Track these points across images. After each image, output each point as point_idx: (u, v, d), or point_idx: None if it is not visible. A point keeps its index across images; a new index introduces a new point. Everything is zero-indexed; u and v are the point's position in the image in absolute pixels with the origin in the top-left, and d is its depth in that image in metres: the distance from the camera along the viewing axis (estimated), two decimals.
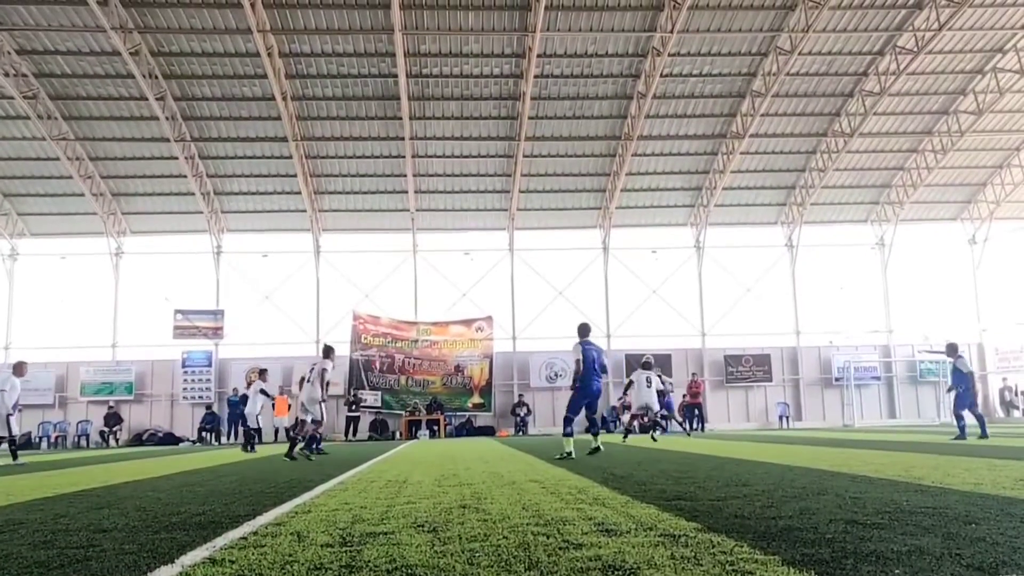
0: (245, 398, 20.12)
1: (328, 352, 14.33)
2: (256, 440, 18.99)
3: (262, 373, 19.91)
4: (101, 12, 21.99)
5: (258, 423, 19.20)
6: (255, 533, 4.38)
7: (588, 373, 11.53)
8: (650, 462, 10.24)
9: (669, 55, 24.72)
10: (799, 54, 24.91)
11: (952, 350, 16.27)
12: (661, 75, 25.44)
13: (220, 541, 4.11)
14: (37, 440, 28.26)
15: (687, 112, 27.88)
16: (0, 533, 4.65)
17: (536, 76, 25.41)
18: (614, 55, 25.49)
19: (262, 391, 19.04)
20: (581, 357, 11.52)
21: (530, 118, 27.00)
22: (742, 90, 27.00)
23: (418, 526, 4.52)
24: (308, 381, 13.98)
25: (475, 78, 26.01)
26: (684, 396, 28.76)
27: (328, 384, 13.94)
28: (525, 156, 28.44)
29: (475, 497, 6.09)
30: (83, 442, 28.32)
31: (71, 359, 29.57)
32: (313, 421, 14.01)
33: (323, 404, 13.93)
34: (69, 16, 22.94)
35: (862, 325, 32.15)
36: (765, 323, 31.55)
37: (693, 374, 29.38)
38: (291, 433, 14.29)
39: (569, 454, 11.15)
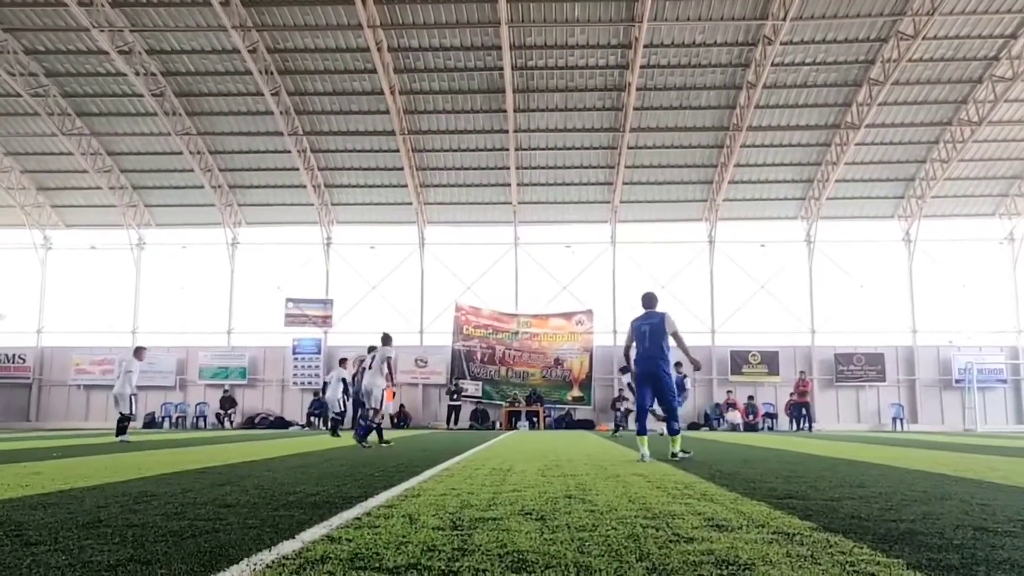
0: (326, 385, 20.61)
1: (387, 340, 14.28)
2: (340, 425, 19.45)
3: (342, 362, 20.25)
4: (223, 12, 22.99)
5: (342, 407, 19.51)
6: (368, 514, 4.50)
7: (637, 352, 9.85)
8: (757, 460, 10.00)
9: (781, 43, 23.97)
10: (923, 39, 23.71)
11: None
12: (772, 64, 24.71)
13: (336, 520, 4.25)
14: (160, 420, 29.87)
15: (799, 102, 26.98)
16: (136, 503, 4.94)
17: (642, 67, 25.10)
18: (723, 44, 24.90)
19: (343, 379, 19.37)
20: (628, 333, 10.02)
21: (635, 109, 26.70)
22: (858, 78, 25.92)
23: (526, 514, 4.55)
24: (368, 368, 14.00)
25: (580, 69, 25.90)
26: (791, 395, 27.98)
27: (393, 371, 13.96)
28: (629, 148, 28.15)
29: (580, 488, 6.09)
30: (201, 423, 29.78)
31: (191, 344, 31.11)
32: (372, 409, 13.85)
33: (383, 391, 13.89)
34: (194, 17, 24.08)
35: (987, 325, 30.42)
36: (879, 321, 30.26)
37: (801, 372, 28.49)
38: (362, 421, 14.01)
39: (642, 457, 9.24)
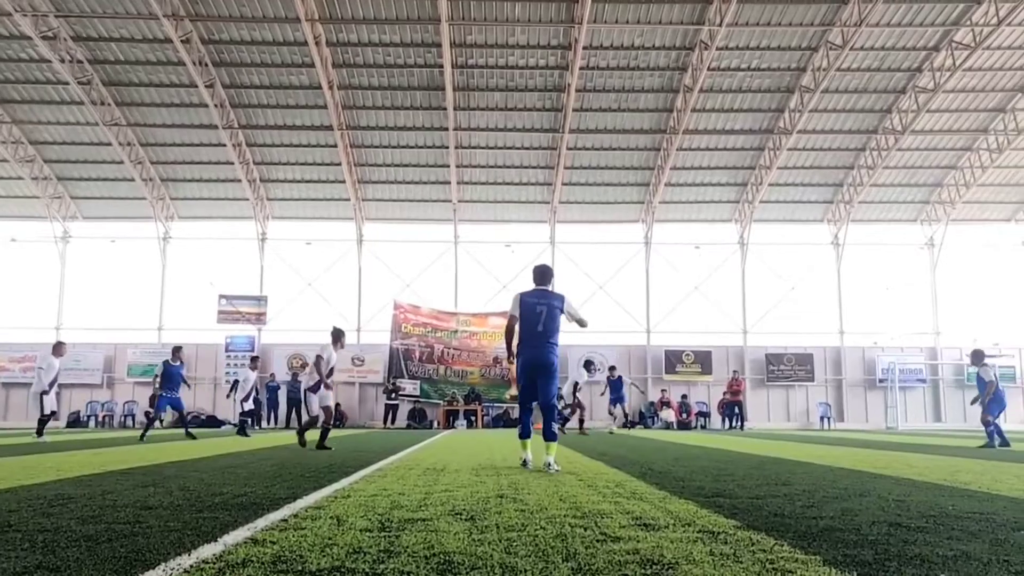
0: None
1: (337, 336, 12.59)
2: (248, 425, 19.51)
3: (254, 360, 20.58)
4: (155, 0, 22.38)
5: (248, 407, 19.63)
6: (295, 516, 4.43)
7: (524, 334, 8.04)
8: (688, 458, 10.16)
9: (717, 48, 24.42)
10: (851, 49, 24.42)
11: (977, 357, 15.80)
12: (708, 69, 25.15)
13: (261, 522, 4.17)
14: (85, 419, 28.95)
15: (734, 107, 27.53)
16: (50, 507, 4.77)
17: (581, 68, 25.28)
18: (661, 48, 25.24)
19: (246, 380, 19.26)
20: (516, 310, 8.10)
21: (574, 110, 26.88)
22: (791, 85, 26.58)
23: (456, 514, 4.53)
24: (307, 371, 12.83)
25: (520, 69, 25.96)
26: (724, 394, 28.55)
27: (330, 371, 12.41)
28: (568, 148, 28.34)
29: (512, 487, 6.10)
30: (129, 422, 28.94)
31: (119, 341, 30.23)
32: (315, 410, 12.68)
33: (316, 394, 12.40)
34: (124, 4, 23.37)
35: (908, 327, 31.52)
36: (808, 322, 31.09)
37: (734, 372, 29.12)
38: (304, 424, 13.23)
39: (524, 463, 8.09)
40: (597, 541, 3.65)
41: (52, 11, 23.55)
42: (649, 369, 30.56)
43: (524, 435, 8.23)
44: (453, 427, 27.28)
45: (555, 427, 7.92)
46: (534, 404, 8.23)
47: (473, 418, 28.24)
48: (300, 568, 3.00)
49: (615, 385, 22.33)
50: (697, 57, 24.93)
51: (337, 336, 12.56)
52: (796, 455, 10.89)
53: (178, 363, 17.12)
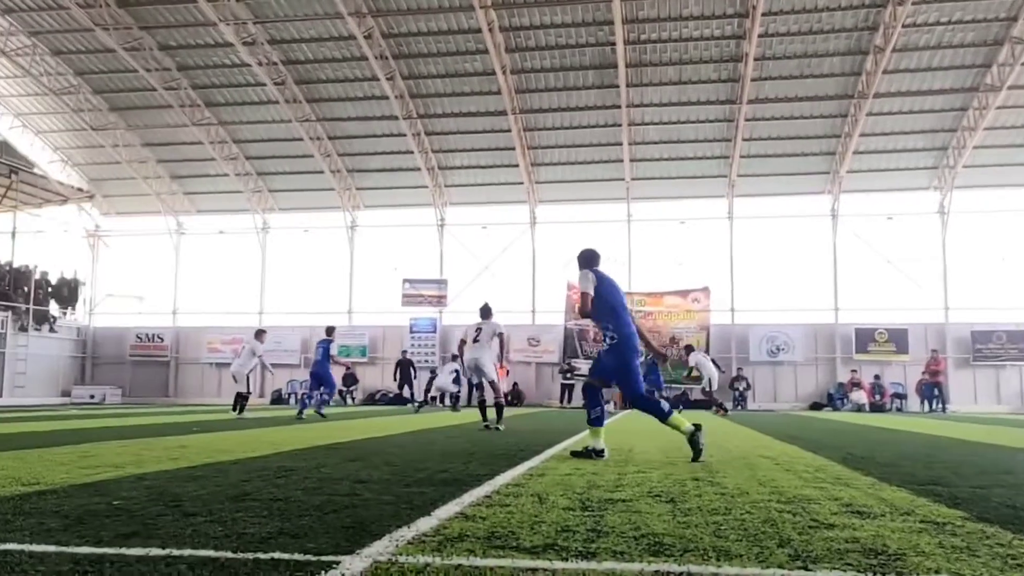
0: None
1: (258, 334, 16.86)
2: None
3: (259, 334, 18.61)
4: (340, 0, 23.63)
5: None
6: (497, 492, 4.56)
7: (620, 315, 7.13)
8: (890, 443, 9.60)
9: (913, 3, 22.63)
10: None
11: None
12: (903, 26, 23.36)
13: (467, 498, 4.32)
14: (287, 396, 31.21)
15: (932, 65, 25.44)
16: (276, 478, 5.18)
17: (760, 35, 24.22)
18: (848, 7, 23.72)
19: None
20: (592, 289, 7.16)
21: (752, 80, 25.82)
22: (999, 37, 24.21)
23: (654, 496, 4.51)
24: (475, 342, 13.02)
25: (694, 41, 25.25)
26: (923, 374, 26.65)
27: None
28: (747, 120, 27.29)
29: (706, 471, 6.00)
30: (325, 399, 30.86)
31: (314, 323, 32.30)
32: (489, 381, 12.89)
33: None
34: (312, 5, 24.82)
35: None
36: (1022, 296, 28.33)
37: (933, 351, 27.08)
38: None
39: (597, 452, 6.91)
40: (810, 527, 3.52)
41: (251, 18, 25.38)
42: (838, 349, 29.03)
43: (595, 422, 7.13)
44: (629, 408, 27.11)
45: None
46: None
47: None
48: (515, 544, 3.08)
49: (651, 366, 18.71)
50: (890, 14, 23.21)
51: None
52: (1014, 441, 10.00)
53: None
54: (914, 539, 3.27)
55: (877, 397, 27.39)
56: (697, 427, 6.86)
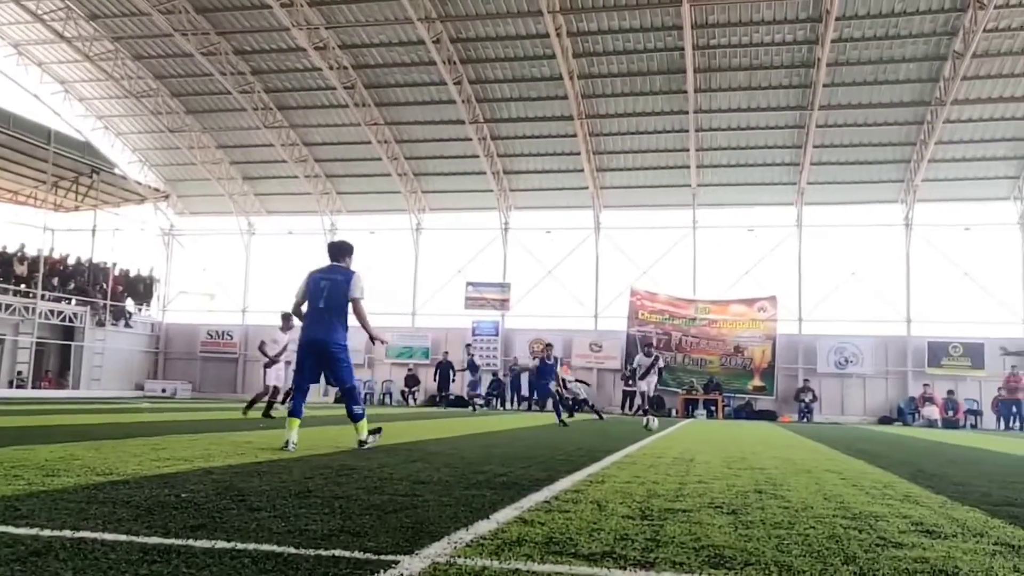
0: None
1: (285, 318, 14.69)
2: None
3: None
4: (409, 4, 23.95)
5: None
6: (556, 498, 4.56)
7: (308, 313, 7.68)
8: (964, 461, 9.27)
9: (995, 7, 21.86)
10: None
11: None
12: (984, 31, 22.58)
13: (525, 502, 4.33)
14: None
15: (1015, 71, 24.51)
16: (338, 476, 5.27)
17: (833, 40, 23.69)
18: (926, 12, 23.03)
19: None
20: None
21: (825, 86, 25.26)
22: None
23: (716, 507, 4.44)
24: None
25: (765, 46, 24.83)
26: (999, 391, 25.67)
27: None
28: (818, 126, 26.71)
29: (770, 483, 5.88)
30: (387, 400, 31.31)
31: (378, 324, 32.59)
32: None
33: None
34: (383, 11, 25.20)
35: None
36: None
37: (1012, 366, 26.05)
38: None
39: (287, 444, 7.24)
40: (876, 545, 3.43)
41: (323, 23, 25.91)
42: (910, 362, 28.16)
43: (295, 413, 7.49)
44: (692, 416, 26.81)
45: (358, 409, 7.69)
46: (307, 388, 7.76)
47: (713, 408, 27.57)
48: (573, 551, 3.07)
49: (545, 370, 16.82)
50: (970, 19, 22.46)
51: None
52: None
53: None
54: (987, 562, 3.16)
55: (950, 413, 26.47)
56: (375, 430, 7.77)
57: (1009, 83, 24.91)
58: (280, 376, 14.81)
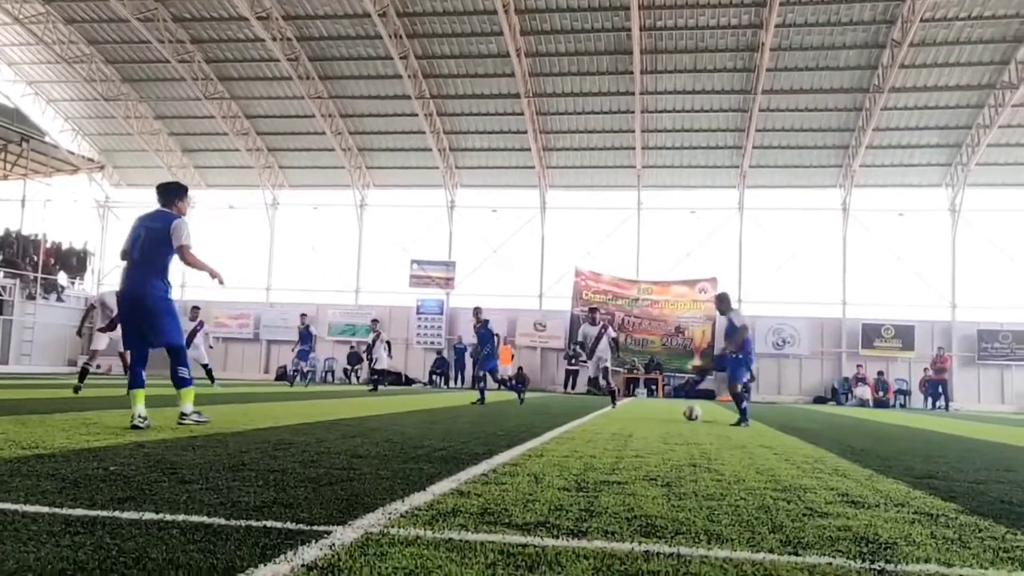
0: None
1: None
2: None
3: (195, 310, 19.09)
4: None
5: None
6: (494, 471, 4.58)
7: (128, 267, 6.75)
8: (890, 438, 9.59)
9: None
10: None
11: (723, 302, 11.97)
12: (921, 20, 23.14)
13: (463, 475, 4.34)
14: (292, 373, 31.27)
15: (949, 60, 25.22)
16: (275, 450, 5.21)
17: (777, 25, 24.03)
18: (867, 0, 23.51)
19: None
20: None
21: (768, 70, 25.65)
22: (1019, 34, 23.96)
23: (650, 479, 4.51)
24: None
25: (711, 29, 25.08)
26: (926, 370, 26.60)
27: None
28: (761, 110, 27.13)
29: (704, 457, 6.00)
30: (329, 377, 31.04)
31: (321, 301, 32.37)
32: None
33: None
34: None
35: None
36: None
37: (939, 348, 27.00)
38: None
39: (135, 419, 6.33)
40: (803, 515, 3.52)
41: None
42: (844, 343, 28.96)
43: (135, 384, 6.65)
44: (633, 395, 27.19)
45: (182, 372, 6.78)
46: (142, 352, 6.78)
47: (654, 387, 27.99)
48: (507, 521, 3.09)
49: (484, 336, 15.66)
50: (908, 8, 22.99)
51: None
52: (1016, 440, 9.97)
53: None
54: (906, 529, 3.27)
55: (881, 393, 27.35)
56: (202, 420, 6.89)
57: (943, 72, 25.63)
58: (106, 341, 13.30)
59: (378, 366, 21.57)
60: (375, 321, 23.92)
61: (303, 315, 23.31)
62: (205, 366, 18.09)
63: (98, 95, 30.27)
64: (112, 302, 11.73)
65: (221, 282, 7.19)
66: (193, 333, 18.81)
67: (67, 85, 30.85)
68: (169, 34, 27.24)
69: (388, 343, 22.62)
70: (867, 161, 28.41)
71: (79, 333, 14.12)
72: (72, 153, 31.19)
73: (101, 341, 13.16)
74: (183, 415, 6.78)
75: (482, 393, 15.12)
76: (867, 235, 29.24)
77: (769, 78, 26.11)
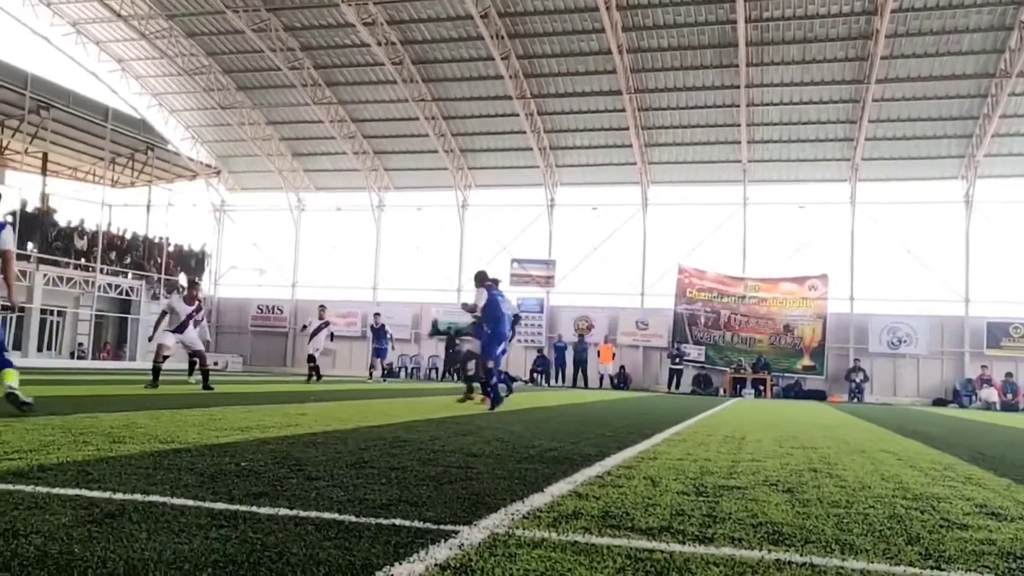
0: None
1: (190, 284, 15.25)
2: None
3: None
4: None
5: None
6: (609, 473, 4.55)
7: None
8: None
9: None
10: None
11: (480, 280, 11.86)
12: None
13: (579, 477, 4.33)
14: (397, 370, 32.02)
15: None
16: (392, 447, 5.33)
17: (893, 11, 23.00)
18: None
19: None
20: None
21: (883, 58, 24.57)
22: None
23: (771, 484, 4.40)
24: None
25: (821, 18, 24.22)
26: None
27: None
28: (875, 100, 26.02)
29: (823, 461, 5.81)
30: (433, 375, 31.57)
31: (424, 300, 32.98)
32: None
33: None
34: None
35: None
36: None
37: None
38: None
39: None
40: (940, 527, 3.36)
41: None
42: (967, 343, 27.49)
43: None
44: (740, 395, 26.57)
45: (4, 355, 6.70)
46: None
47: (762, 387, 27.28)
48: (630, 525, 3.07)
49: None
50: None
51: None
52: None
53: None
54: None
55: (1009, 396, 25.80)
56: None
57: None
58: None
59: (311, 350, 21.07)
60: (322, 307, 22.69)
61: (376, 314, 23.82)
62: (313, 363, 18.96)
63: (215, 104, 31.74)
64: (180, 307, 13.81)
65: (14, 311, 7.23)
66: (318, 330, 20.19)
67: (187, 95, 32.47)
68: (280, 43, 28.28)
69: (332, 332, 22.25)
70: (992, 150, 26.86)
71: (150, 339, 15.34)
72: (192, 160, 32.80)
73: (168, 339, 14.08)
74: (10, 390, 6.68)
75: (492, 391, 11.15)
76: (993, 229, 27.64)
77: (884, 66, 25.01)
